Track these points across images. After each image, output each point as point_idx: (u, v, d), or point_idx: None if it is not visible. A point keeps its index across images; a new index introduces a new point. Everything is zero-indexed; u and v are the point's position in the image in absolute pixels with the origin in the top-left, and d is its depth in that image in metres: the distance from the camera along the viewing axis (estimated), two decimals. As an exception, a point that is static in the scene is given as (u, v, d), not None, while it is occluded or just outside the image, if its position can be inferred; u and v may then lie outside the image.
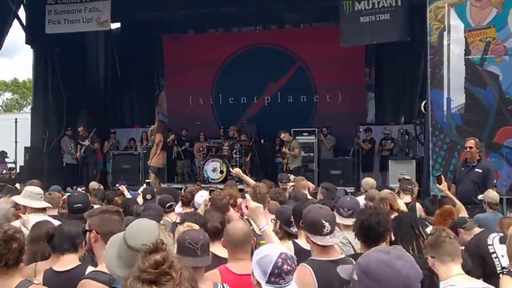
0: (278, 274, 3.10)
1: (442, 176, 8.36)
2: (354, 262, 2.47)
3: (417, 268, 2.17)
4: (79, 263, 4.15)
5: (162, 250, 1.83)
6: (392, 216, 5.21)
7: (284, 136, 16.24)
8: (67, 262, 4.15)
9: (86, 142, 17.70)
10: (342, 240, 4.90)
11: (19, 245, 3.55)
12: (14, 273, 3.55)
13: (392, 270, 2.11)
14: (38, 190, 6.47)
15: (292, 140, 16.04)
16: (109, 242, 3.16)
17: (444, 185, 8.74)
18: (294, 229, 5.06)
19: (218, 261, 4.47)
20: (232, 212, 6.31)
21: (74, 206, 5.71)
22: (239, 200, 7.01)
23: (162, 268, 1.74)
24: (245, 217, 5.95)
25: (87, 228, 3.64)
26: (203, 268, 3.66)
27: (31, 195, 6.23)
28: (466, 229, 5.89)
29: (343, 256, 4.21)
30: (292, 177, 10.27)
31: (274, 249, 3.22)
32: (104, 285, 3.35)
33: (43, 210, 6.22)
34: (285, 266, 3.10)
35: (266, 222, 4.36)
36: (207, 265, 3.93)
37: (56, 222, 5.16)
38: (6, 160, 18.21)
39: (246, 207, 3.87)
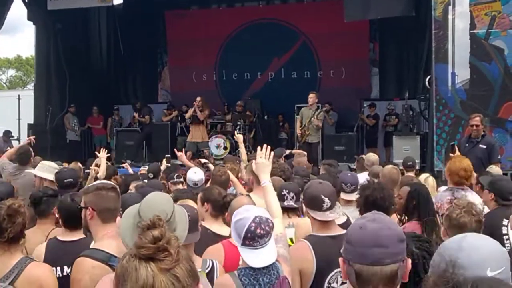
0: (251, 237, 3.20)
1: (456, 146, 8.17)
2: None
3: (394, 229, 2.23)
4: (84, 236, 4.14)
5: (160, 226, 1.80)
6: (407, 187, 5.12)
7: (311, 97, 14.43)
8: (73, 233, 4.17)
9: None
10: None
11: (22, 220, 3.56)
12: (16, 250, 3.54)
13: (363, 231, 2.19)
14: (55, 164, 6.83)
15: (320, 112, 14.52)
16: (124, 213, 3.19)
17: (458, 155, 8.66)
18: (287, 203, 4.99)
19: (217, 239, 4.46)
20: (238, 186, 6.30)
21: (65, 181, 5.71)
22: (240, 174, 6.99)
23: (159, 243, 1.71)
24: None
25: (82, 205, 3.60)
26: (192, 245, 3.63)
27: (49, 169, 6.45)
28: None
29: (344, 231, 4.18)
30: (289, 151, 10.30)
31: (250, 212, 3.29)
32: (100, 263, 3.33)
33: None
34: (258, 230, 3.19)
35: (261, 198, 4.33)
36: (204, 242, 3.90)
37: None
38: (11, 139, 18.22)
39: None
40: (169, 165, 9.80)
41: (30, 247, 4.13)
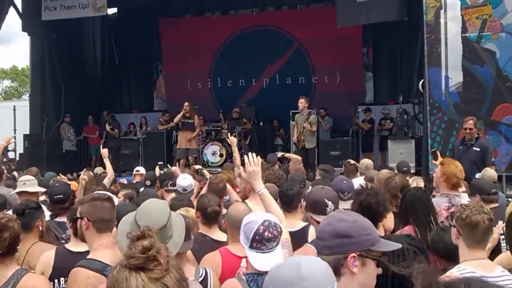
0: (259, 240, 3.23)
1: (438, 152, 8.32)
2: None
3: (347, 222, 2.49)
4: None
5: (149, 236, 1.83)
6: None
7: (301, 102, 14.49)
8: (82, 244, 4.11)
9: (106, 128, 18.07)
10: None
11: (11, 234, 3.56)
12: (11, 262, 3.56)
13: (330, 227, 2.49)
14: (30, 177, 6.83)
15: (311, 115, 14.60)
16: (121, 221, 3.21)
17: (440, 161, 8.74)
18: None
19: (216, 245, 4.49)
20: (233, 194, 6.32)
21: (55, 197, 5.71)
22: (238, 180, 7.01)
23: (149, 253, 1.74)
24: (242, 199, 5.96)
25: (78, 215, 3.64)
26: (185, 253, 3.66)
27: (27, 183, 6.45)
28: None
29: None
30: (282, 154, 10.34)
31: (259, 216, 3.34)
32: (96, 272, 3.36)
33: (35, 195, 6.41)
34: (266, 233, 3.23)
35: (258, 205, 4.36)
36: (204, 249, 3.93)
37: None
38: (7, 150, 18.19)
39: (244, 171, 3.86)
40: (162, 172, 9.81)
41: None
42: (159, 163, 12.66)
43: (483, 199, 5.82)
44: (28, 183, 6.55)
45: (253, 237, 3.24)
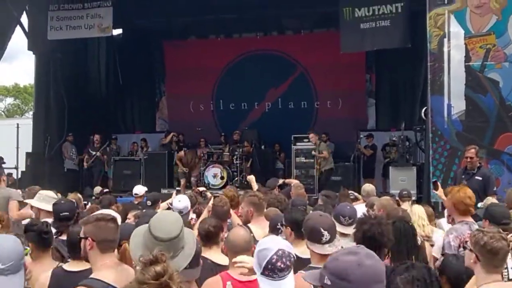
0: (271, 269, 3.21)
1: (438, 183, 8.33)
2: None
3: (382, 263, 2.31)
4: (89, 266, 4.13)
5: (162, 261, 1.81)
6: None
7: (312, 137, 16.02)
8: (78, 263, 4.15)
9: (98, 153, 17.69)
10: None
11: None
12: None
13: (364, 269, 2.22)
14: (53, 194, 6.72)
15: (320, 143, 15.95)
16: (134, 232, 3.32)
17: (440, 191, 8.74)
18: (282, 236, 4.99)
19: (217, 268, 4.46)
20: (234, 217, 6.31)
21: (61, 214, 5.69)
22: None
23: (162, 279, 1.71)
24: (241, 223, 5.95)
25: (82, 235, 3.64)
26: (193, 281, 3.65)
27: (46, 198, 6.42)
28: None
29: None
30: (283, 181, 10.45)
31: (274, 243, 3.31)
32: (98, 292, 3.36)
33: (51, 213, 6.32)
34: (279, 263, 3.21)
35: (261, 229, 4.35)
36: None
37: None
38: (5, 165, 18.19)
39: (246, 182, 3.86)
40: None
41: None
42: (177, 188, 12.84)
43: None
44: (49, 199, 6.46)
45: (265, 265, 3.21)
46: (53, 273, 4.17)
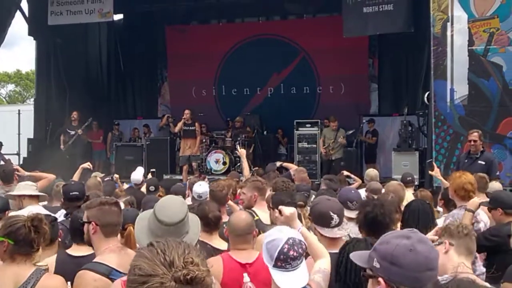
0: (284, 259, 3.11)
1: (434, 163, 8.35)
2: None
3: (435, 249, 2.25)
4: (93, 251, 4.13)
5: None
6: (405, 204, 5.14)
7: (333, 125, 16.03)
8: (82, 248, 4.17)
9: (78, 131, 16.39)
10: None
11: (45, 232, 3.67)
12: (31, 262, 3.58)
13: (415, 254, 2.16)
14: (31, 182, 6.72)
15: (339, 129, 16.06)
16: (139, 217, 3.37)
17: (436, 171, 8.79)
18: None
19: (217, 253, 4.47)
20: (232, 204, 6.30)
21: (71, 194, 5.70)
22: (239, 190, 6.99)
23: None
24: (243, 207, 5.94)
25: (85, 219, 3.64)
26: None
27: (25, 187, 6.44)
28: None
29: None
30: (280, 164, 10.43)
31: (282, 233, 3.21)
32: (102, 276, 3.37)
33: (36, 198, 6.40)
34: (291, 252, 3.12)
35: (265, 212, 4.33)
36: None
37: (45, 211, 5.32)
38: (6, 151, 18.22)
39: (280, 213, 3.71)
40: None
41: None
42: (151, 170, 12.79)
43: (506, 212, 5.65)
44: (29, 187, 6.51)
45: (277, 256, 3.11)
46: (58, 258, 4.19)
